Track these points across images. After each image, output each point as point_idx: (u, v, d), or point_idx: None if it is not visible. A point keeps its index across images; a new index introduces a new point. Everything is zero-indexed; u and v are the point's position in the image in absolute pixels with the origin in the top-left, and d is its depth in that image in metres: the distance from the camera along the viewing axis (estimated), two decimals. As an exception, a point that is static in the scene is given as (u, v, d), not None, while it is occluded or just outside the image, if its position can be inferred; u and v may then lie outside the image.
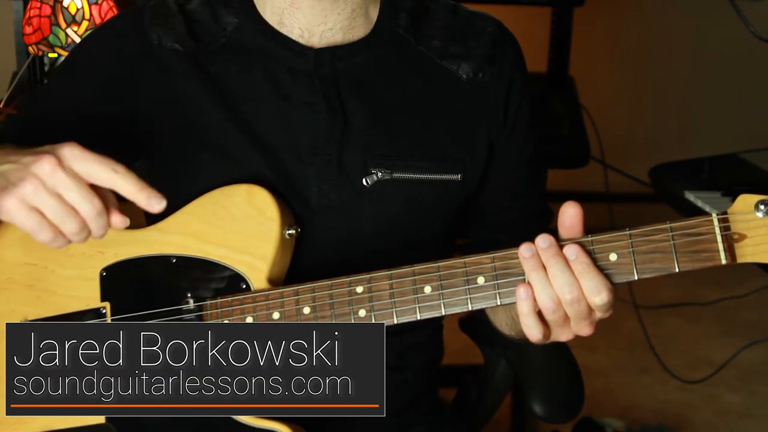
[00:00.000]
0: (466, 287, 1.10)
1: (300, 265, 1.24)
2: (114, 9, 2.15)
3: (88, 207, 1.03)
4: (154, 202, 1.06)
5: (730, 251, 1.03)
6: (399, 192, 1.26)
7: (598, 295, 1.05)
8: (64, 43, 2.15)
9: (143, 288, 1.22)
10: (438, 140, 1.28)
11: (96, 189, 1.05)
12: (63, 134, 1.27)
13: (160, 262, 1.22)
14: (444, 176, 1.28)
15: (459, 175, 1.29)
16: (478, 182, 1.32)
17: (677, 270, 1.04)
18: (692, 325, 3.39)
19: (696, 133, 4.00)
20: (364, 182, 1.25)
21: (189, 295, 1.20)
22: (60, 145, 1.05)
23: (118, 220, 1.07)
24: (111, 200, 1.07)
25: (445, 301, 1.11)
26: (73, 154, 1.04)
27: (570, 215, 1.07)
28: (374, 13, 1.30)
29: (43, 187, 1.02)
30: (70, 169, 1.03)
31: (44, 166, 1.03)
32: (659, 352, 3.05)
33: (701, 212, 1.95)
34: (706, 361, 3.09)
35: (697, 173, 2.16)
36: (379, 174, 1.26)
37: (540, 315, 1.08)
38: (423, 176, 1.27)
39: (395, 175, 1.26)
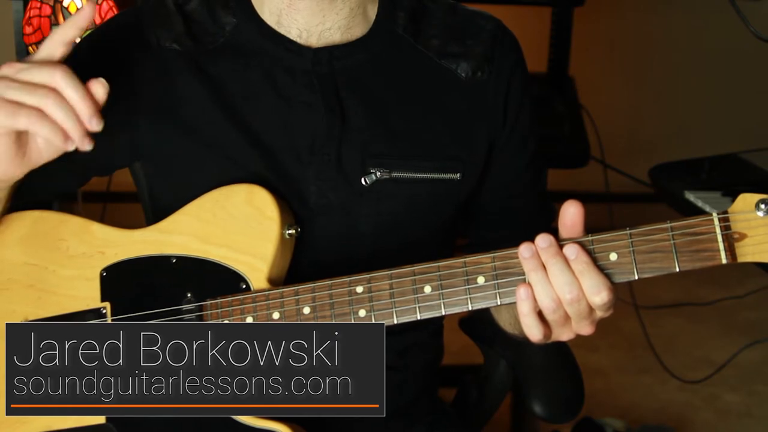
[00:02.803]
0: (466, 287, 1.10)
1: (299, 265, 1.24)
2: (114, 9, 2.14)
3: (49, 72, 1.02)
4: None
5: (730, 251, 1.03)
6: (398, 191, 1.26)
7: (598, 295, 1.05)
8: (64, 43, 2.15)
9: (143, 288, 1.22)
10: (437, 139, 1.28)
11: None
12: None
13: (160, 262, 1.22)
14: (443, 175, 1.28)
15: (458, 174, 1.29)
16: (478, 181, 1.32)
17: (677, 269, 1.04)
18: (692, 325, 3.39)
19: (696, 133, 4.00)
20: (363, 182, 1.25)
21: (189, 295, 1.20)
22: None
23: (96, 86, 1.04)
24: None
25: (445, 300, 1.11)
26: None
27: (571, 214, 1.07)
28: (372, 13, 1.30)
29: (8, 80, 1.02)
30: (27, 60, 1.04)
31: (3, 69, 1.04)
32: (659, 352, 3.05)
33: (701, 212, 1.94)
34: (706, 361, 3.09)
35: (697, 173, 2.16)
36: (378, 173, 1.26)
37: (540, 315, 1.08)
38: (422, 175, 1.27)
39: (394, 174, 1.26)
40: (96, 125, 1.04)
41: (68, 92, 1.03)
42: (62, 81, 1.02)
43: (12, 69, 1.03)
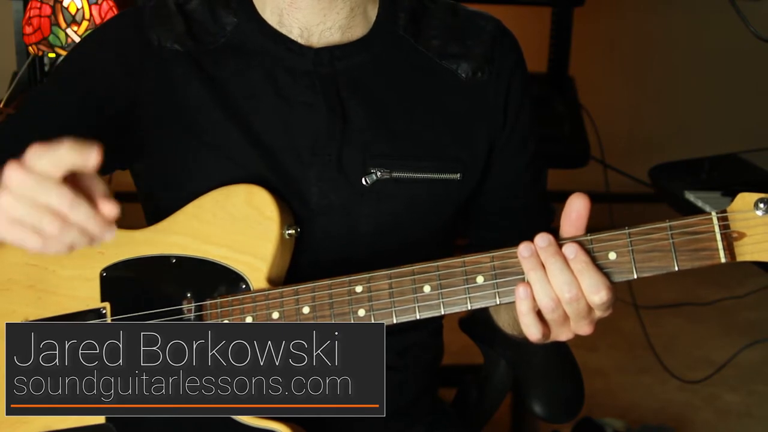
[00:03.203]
0: (465, 287, 1.10)
1: (299, 265, 1.24)
2: (114, 9, 2.15)
3: (57, 200, 0.99)
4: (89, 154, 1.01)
5: (729, 250, 1.03)
6: (398, 191, 1.26)
7: (597, 294, 1.05)
8: (64, 43, 2.15)
9: (143, 288, 1.22)
10: (437, 139, 1.28)
11: (79, 184, 1.02)
12: (61, 135, 1.27)
13: (160, 262, 1.22)
14: (443, 176, 1.28)
15: (458, 175, 1.29)
16: (478, 181, 1.32)
17: (676, 269, 1.04)
18: (692, 325, 3.39)
19: (696, 133, 4.00)
20: (364, 182, 1.25)
21: (189, 295, 1.20)
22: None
23: (107, 207, 1.02)
24: (98, 190, 1.03)
25: (444, 300, 1.11)
26: (31, 155, 1.01)
27: (577, 208, 1.07)
28: (373, 13, 1.30)
29: (14, 198, 1.00)
30: (31, 170, 1.00)
31: (12, 176, 1.00)
32: (659, 352, 3.05)
33: (701, 212, 1.95)
34: (706, 361, 3.09)
35: (697, 173, 2.16)
36: (379, 173, 1.26)
37: (539, 314, 1.08)
38: (422, 175, 1.27)
39: (395, 174, 1.26)
40: (108, 237, 1.02)
41: (78, 218, 1.00)
42: (71, 210, 1.00)
43: (17, 180, 1.00)
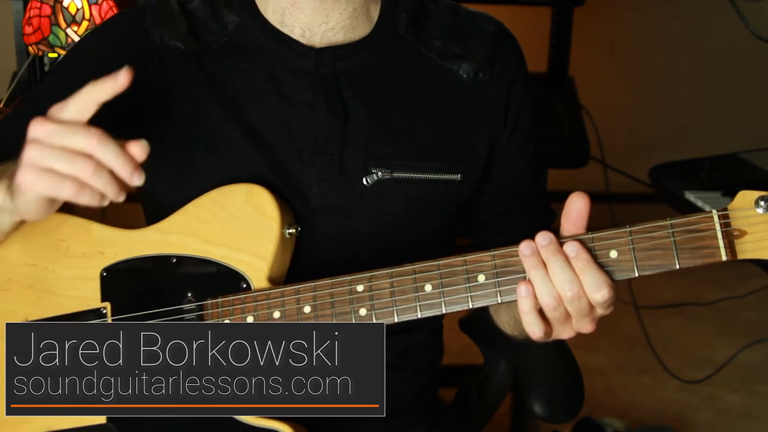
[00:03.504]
0: (467, 285, 1.10)
1: (300, 265, 1.24)
2: (114, 9, 2.15)
3: (86, 140, 1.01)
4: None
5: (730, 247, 1.03)
6: (399, 192, 1.26)
7: (599, 292, 1.05)
8: (64, 43, 2.15)
9: (144, 288, 1.22)
10: (438, 140, 1.28)
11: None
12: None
13: (161, 262, 1.22)
14: (444, 176, 1.28)
15: (459, 175, 1.29)
16: (479, 182, 1.32)
17: (678, 266, 1.04)
18: (692, 325, 3.39)
19: (696, 133, 4.00)
20: (365, 182, 1.25)
21: (189, 294, 1.20)
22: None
23: (136, 148, 1.03)
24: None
25: (445, 299, 1.11)
26: (54, 109, 1.04)
27: (577, 207, 1.07)
28: (375, 13, 1.30)
29: (42, 146, 1.01)
30: (55, 119, 1.03)
31: (35, 130, 1.02)
32: (659, 352, 3.05)
33: (701, 212, 1.95)
34: (706, 361, 3.09)
35: (697, 173, 2.16)
36: (380, 173, 1.26)
37: (541, 312, 1.08)
38: (423, 176, 1.27)
39: (395, 174, 1.26)
40: (137, 180, 1.03)
41: (107, 157, 1.02)
42: (99, 148, 1.01)
43: (43, 131, 1.02)
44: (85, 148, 1.01)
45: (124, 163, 1.02)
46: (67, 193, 1.02)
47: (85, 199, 1.03)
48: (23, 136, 1.24)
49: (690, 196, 2.03)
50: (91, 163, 1.01)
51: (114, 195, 1.04)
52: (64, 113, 1.03)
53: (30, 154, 1.02)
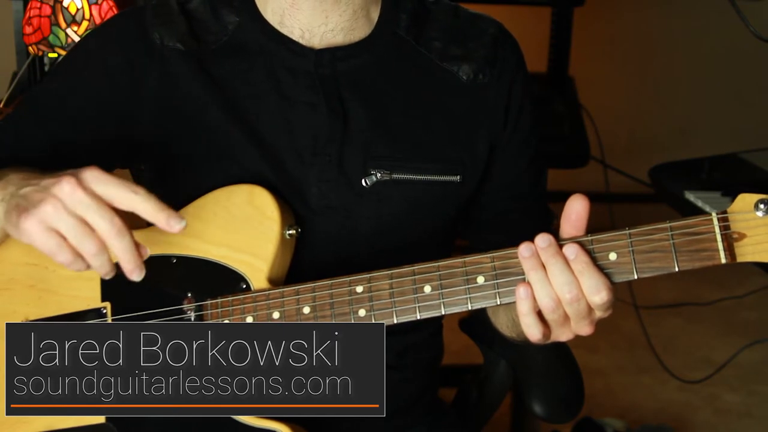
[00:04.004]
0: (466, 287, 1.10)
1: (300, 265, 1.24)
2: (114, 9, 2.15)
3: (108, 226, 1.02)
4: (173, 222, 1.05)
5: (729, 250, 1.03)
6: (398, 193, 1.26)
7: (598, 294, 1.05)
8: (64, 43, 2.15)
9: (144, 288, 1.22)
10: (438, 141, 1.28)
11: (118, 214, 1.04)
12: (62, 134, 1.27)
13: (161, 262, 1.22)
14: (443, 177, 1.28)
15: (458, 177, 1.29)
16: (478, 184, 1.32)
17: (677, 269, 1.04)
18: (692, 325, 3.39)
19: (696, 133, 4.00)
20: (364, 183, 1.25)
21: (189, 294, 1.20)
22: (81, 168, 1.05)
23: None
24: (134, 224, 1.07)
25: (444, 300, 1.11)
26: (93, 175, 1.04)
27: (577, 209, 1.07)
28: (375, 14, 1.30)
29: (63, 208, 1.02)
30: (90, 190, 1.03)
31: (64, 186, 1.02)
32: (659, 352, 3.05)
33: (701, 212, 1.95)
34: (706, 361, 3.09)
35: (697, 173, 2.16)
36: (379, 175, 1.26)
37: (540, 315, 1.08)
38: (422, 177, 1.27)
39: (394, 175, 1.26)
40: (136, 277, 1.06)
41: (117, 249, 1.03)
42: (116, 239, 1.03)
43: (72, 196, 1.02)
44: (102, 233, 1.02)
45: (131, 258, 1.04)
46: (60, 259, 1.04)
47: (74, 268, 1.05)
48: (23, 137, 1.24)
49: (690, 196, 2.03)
50: (97, 244, 1.03)
51: (104, 274, 1.06)
52: (102, 188, 1.03)
53: (47, 209, 1.02)
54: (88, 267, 1.05)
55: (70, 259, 1.04)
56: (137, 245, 1.05)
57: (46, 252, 1.04)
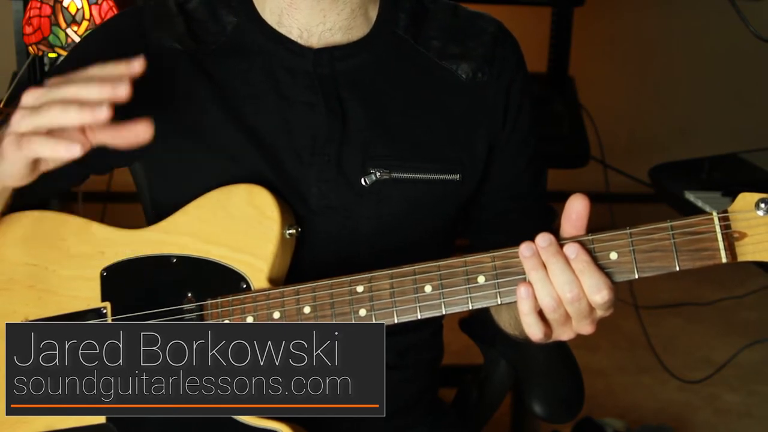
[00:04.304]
0: (467, 286, 1.10)
1: (300, 265, 1.24)
2: (114, 9, 2.15)
3: (66, 91, 1.03)
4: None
5: (730, 250, 1.03)
6: (398, 192, 1.26)
7: (599, 294, 1.05)
8: (64, 43, 2.15)
9: (144, 288, 1.22)
10: (437, 140, 1.28)
11: None
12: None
13: (161, 262, 1.22)
14: (443, 176, 1.28)
15: (458, 175, 1.29)
16: (478, 182, 1.32)
17: (678, 269, 1.04)
18: (692, 325, 3.39)
19: (696, 133, 4.00)
20: (363, 182, 1.25)
21: (189, 294, 1.20)
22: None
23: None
24: None
25: (445, 300, 1.11)
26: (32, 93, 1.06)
27: (577, 209, 1.07)
28: (373, 14, 1.30)
29: (29, 111, 1.04)
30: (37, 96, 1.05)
31: (23, 98, 1.05)
32: (659, 352, 3.05)
33: (701, 212, 1.95)
34: (706, 361, 3.09)
35: (697, 173, 2.16)
36: (378, 174, 1.26)
37: (541, 314, 1.08)
38: (422, 176, 1.27)
39: (394, 175, 1.26)
40: (123, 91, 1.04)
41: (91, 94, 1.04)
42: (84, 90, 1.04)
43: (31, 94, 1.05)
44: (67, 97, 1.03)
45: (108, 88, 1.04)
46: (34, 150, 1.03)
47: (49, 153, 1.04)
48: None
49: (690, 196, 2.03)
50: (56, 104, 1.03)
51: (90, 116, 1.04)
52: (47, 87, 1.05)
53: (15, 119, 1.05)
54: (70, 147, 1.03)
55: (38, 145, 1.03)
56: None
57: (18, 158, 1.05)
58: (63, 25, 2.15)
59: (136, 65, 1.06)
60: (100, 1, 2.15)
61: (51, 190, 1.33)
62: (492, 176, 1.34)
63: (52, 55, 2.18)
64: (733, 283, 3.55)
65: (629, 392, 2.95)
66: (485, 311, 1.31)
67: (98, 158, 1.25)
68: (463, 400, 1.60)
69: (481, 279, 1.10)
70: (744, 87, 4.03)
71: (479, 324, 1.51)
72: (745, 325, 3.39)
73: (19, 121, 1.04)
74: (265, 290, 1.18)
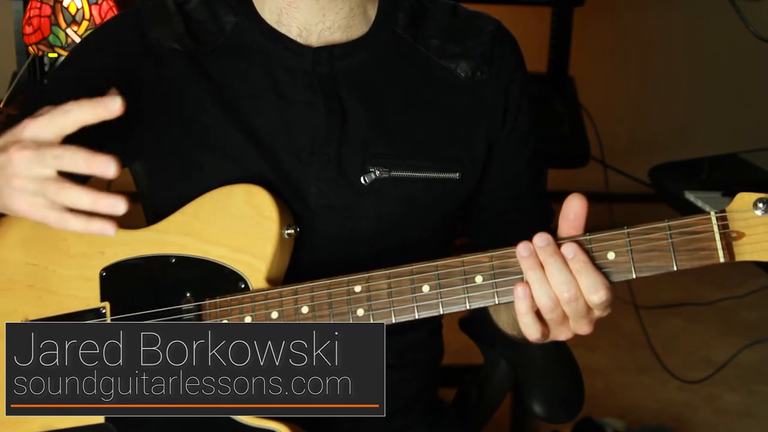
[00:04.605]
0: (464, 286, 1.10)
1: (299, 265, 1.24)
2: (114, 9, 2.15)
3: (67, 159, 1.02)
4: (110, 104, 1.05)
5: (728, 249, 1.03)
6: (397, 191, 1.26)
7: (596, 293, 1.05)
8: (64, 43, 2.15)
9: (143, 288, 1.22)
10: (436, 139, 1.28)
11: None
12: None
13: (160, 262, 1.22)
14: (442, 175, 1.28)
15: (457, 174, 1.29)
16: (477, 181, 1.32)
17: (675, 268, 1.04)
18: (692, 325, 3.39)
19: (696, 133, 4.00)
20: (362, 181, 1.25)
21: (188, 294, 1.20)
22: (20, 127, 1.05)
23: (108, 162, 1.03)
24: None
25: (443, 300, 1.11)
26: (30, 129, 1.04)
27: (575, 209, 1.07)
28: (372, 13, 1.30)
29: (26, 179, 1.03)
30: (34, 144, 1.03)
31: (14, 158, 1.03)
32: (659, 352, 3.05)
33: (701, 212, 1.95)
34: (706, 361, 3.09)
35: (697, 173, 2.16)
36: (377, 172, 1.26)
37: (538, 314, 1.08)
38: (421, 175, 1.27)
39: (393, 173, 1.26)
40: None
41: (75, 164, 1.03)
42: (73, 162, 1.03)
43: (24, 156, 1.03)
44: (66, 167, 1.02)
45: (99, 165, 1.03)
46: (53, 220, 1.04)
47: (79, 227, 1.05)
48: None
49: (690, 196, 2.03)
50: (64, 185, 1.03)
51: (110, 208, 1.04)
52: (39, 132, 1.04)
53: (15, 184, 1.03)
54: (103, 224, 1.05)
55: (57, 217, 1.04)
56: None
57: (48, 222, 1.04)
58: (63, 25, 2.15)
59: (113, 106, 1.05)
60: (100, 1, 2.15)
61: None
62: (491, 175, 1.34)
63: (52, 55, 2.18)
64: (733, 283, 3.55)
65: (629, 392, 2.95)
66: (484, 311, 1.31)
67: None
68: (463, 400, 1.60)
69: (478, 279, 1.10)
70: (744, 87, 4.03)
71: (479, 324, 1.51)
72: (745, 325, 3.39)
73: (25, 188, 1.03)
74: (263, 290, 1.18)
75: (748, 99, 4.03)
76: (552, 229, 1.09)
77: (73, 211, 1.04)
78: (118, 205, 1.03)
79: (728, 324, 3.38)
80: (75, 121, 1.04)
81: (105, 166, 1.02)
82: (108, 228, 1.05)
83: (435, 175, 1.28)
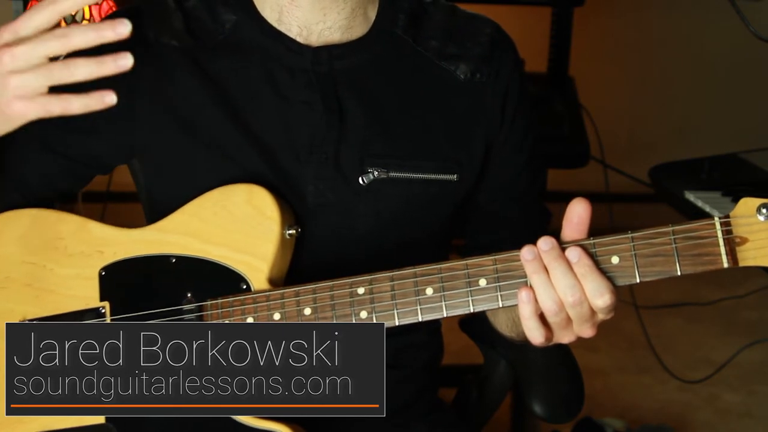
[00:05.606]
0: (468, 289, 1.10)
1: (298, 265, 1.24)
2: (114, 9, 2.14)
3: (57, 42, 1.04)
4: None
5: (732, 255, 1.03)
6: (395, 191, 1.26)
7: (601, 298, 1.05)
8: (64, 42, 2.15)
9: (143, 288, 1.22)
10: (435, 140, 1.29)
11: None
12: (60, 131, 1.27)
13: (160, 261, 1.22)
14: (440, 176, 1.28)
15: (455, 175, 1.29)
16: (475, 182, 1.32)
17: (679, 273, 1.04)
18: (692, 325, 3.39)
19: (696, 133, 4.00)
20: (361, 181, 1.25)
21: (189, 295, 1.20)
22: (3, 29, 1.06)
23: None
24: None
25: (446, 302, 1.11)
26: (14, 27, 1.05)
27: (578, 213, 1.07)
28: (372, 14, 1.30)
29: (24, 72, 1.04)
30: (22, 40, 1.04)
31: (4, 59, 1.04)
32: (659, 352, 3.05)
33: (701, 212, 1.94)
34: (706, 361, 3.09)
35: (697, 173, 2.16)
36: (376, 173, 1.26)
37: (542, 317, 1.08)
38: (419, 175, 1.27)
39: (391, 174, 1.26)
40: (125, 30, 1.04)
41: (79, 39, 1.06)
42: (77, 35, 1.05)
43: (14, 53, 1.04)
44: (55, 49, 1.05)
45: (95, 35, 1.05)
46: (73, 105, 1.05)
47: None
48: (23, 136, 1.23)
49: (690, 196, 2.03)
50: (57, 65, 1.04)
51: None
52: (26, 25, 1.06)
53: (12, 83, 1.04)
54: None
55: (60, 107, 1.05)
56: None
57: (59, 111, 1.05)
58: (63, 24, 2.15)
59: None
60: (100, 1, 2.14)
61: (53, 191, 1.32)
62: (489, 176, 1.34)
63: (52, 54, 2.18)
64: (734, 283, 3.55)
65: (629, 392, 2.95)
66: (484, 312, 1.31)
67: (97, 157, 1.26)
68: (463, 400, 1.60)
69: (482, 282, 1.10)
70: (744, 87, 4.02)
71: (479, 324, 1.51)
72: (746, 325, 3.39)
73: (22, 81, 1.04)
74: (264, 292, 1.17)
75: (748, 99, 4.03)
76: (551, 230, 1.09)
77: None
78: (124, 58, 1.05)
79: (728, 324, 3.38)
80: (61, 10, 1.06)
81: (114, 28, 1.04)
82: (108, 96, 1.05)
83: (433, 175, 1.28)
